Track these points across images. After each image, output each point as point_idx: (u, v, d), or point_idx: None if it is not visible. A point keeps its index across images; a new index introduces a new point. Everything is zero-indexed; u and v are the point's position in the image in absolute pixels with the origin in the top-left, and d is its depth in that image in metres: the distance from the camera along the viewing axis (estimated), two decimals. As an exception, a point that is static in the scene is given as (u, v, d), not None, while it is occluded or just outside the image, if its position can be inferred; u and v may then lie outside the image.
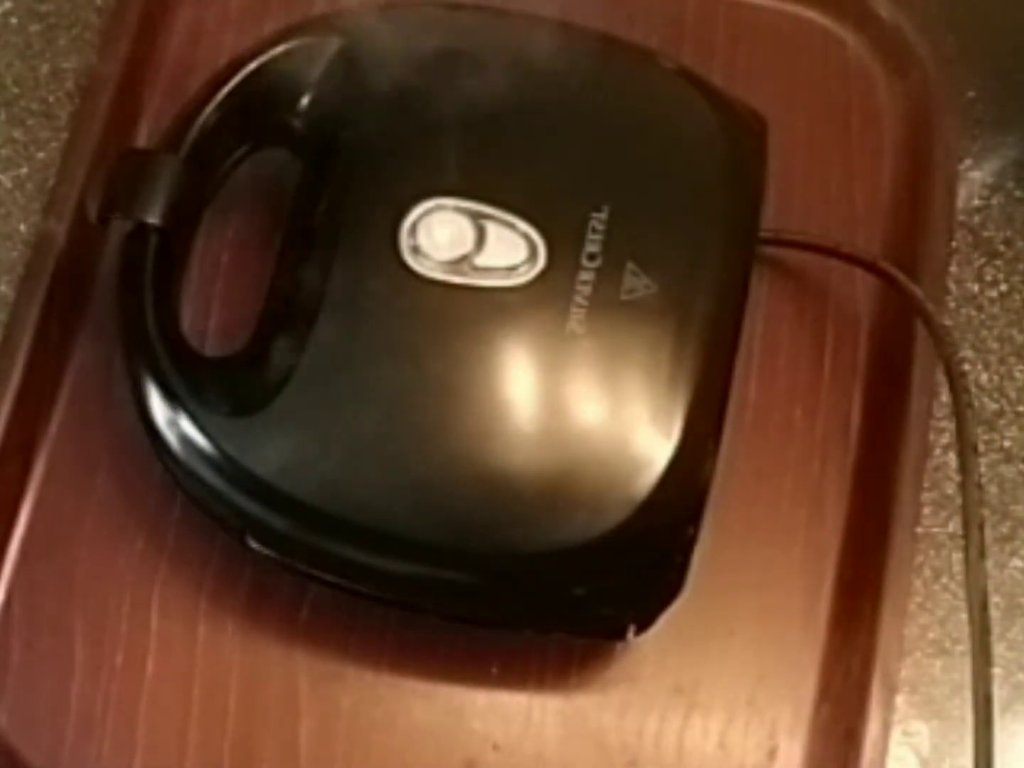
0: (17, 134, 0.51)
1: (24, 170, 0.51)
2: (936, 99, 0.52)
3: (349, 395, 0.44)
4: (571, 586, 0.44)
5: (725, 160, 0.47)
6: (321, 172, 0.46)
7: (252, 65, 0.47)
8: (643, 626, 0.45)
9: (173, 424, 0.44)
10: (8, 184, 0.51)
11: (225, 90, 0.47)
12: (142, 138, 0.51)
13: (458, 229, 0.45)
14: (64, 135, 0.51)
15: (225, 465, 0.43)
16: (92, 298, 0.50)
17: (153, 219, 0.45)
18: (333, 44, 0.47)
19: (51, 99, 0.52)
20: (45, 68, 0.52)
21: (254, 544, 0.45)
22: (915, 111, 0.52)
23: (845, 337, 0.50)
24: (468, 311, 0.44)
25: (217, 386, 0.44)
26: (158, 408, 0.44)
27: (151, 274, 0.45)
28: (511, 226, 0.45)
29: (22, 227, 0.50)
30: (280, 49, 0.47)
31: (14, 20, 0.52)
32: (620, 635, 0.45)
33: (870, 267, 0.49)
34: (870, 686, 0.46)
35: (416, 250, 0.45)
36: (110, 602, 0.47)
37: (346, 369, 0.44)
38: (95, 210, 0.46)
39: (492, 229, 0.45)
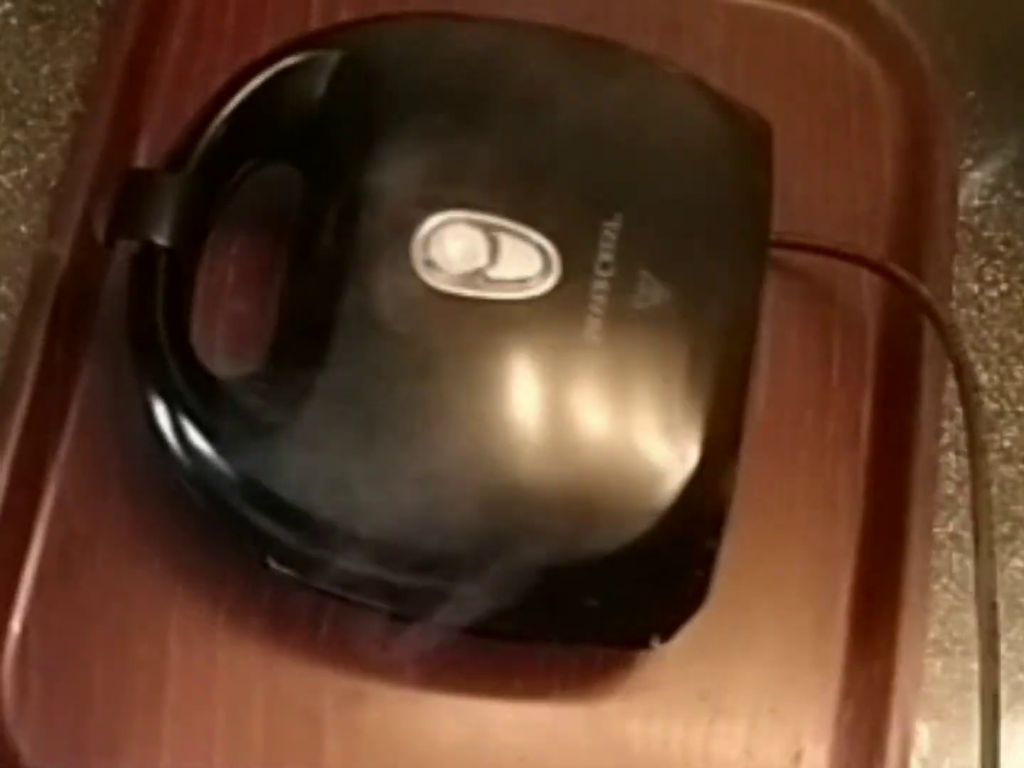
0: (17, 135, 0.51)
1: (24, 171, 0.51)
2: (936, 99, 0.52)
3: (367, 411, 0.43)
4: (593, 599, 0.44)
5: (734, 166, 0.47)
6: (327, 186, 0.46)
7: (256, 81, 0.46)
8: (667, 635, 0.45)
9: (191, 447, 0.43)
10: (8, 184, 0.50)
11: (229, 107, 0.46)
12: (142, 153, 0.51)
13: (471, 242, 0.45)
14: (64, 135, 0.51)
15: (245, 487, 0.43)
16: (96, 321, 0.49)
17: (162, 240, 0.44)
18: (335, 58, 0.46)
19: (51, 99, 0.51)
20: (45, 68, 0.52)
21: (274, 565, 0.44)
22: (915, 111, 0.52)
23: (853, 338, 0.51)
24: (484, 324, 0.44)
25: (233, 406, 0.44)
26: (175, 431, 0.43)
27: (162, 296, 0.44)
28: (524, 238, 0.45)
29: (22, 227, 0.50)
30: (283, 64, 0.47)
31: (14, 20, 0.52)
32: (644, 645, 0.45)
33: (876, 268, 0.49)
34: (893, 686, 0.46)
35: (430, 264, 0.44)
36: (128, 627, 0.47)
37: (363, 385, 0.43)
38: (102, 232, 0.45)
39: (505, 241, 0.45)
